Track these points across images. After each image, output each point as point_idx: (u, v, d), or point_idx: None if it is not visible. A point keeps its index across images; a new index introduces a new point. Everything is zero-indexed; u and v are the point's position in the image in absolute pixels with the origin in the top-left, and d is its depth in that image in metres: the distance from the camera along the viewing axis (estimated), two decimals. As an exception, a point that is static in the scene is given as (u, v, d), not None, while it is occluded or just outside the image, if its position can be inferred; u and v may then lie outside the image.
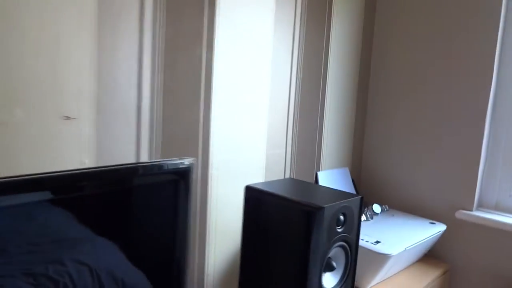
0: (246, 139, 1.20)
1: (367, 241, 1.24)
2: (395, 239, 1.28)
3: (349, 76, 1.61)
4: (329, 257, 0.88)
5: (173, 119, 1.00)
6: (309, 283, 0.80)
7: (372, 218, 1.46)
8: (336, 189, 0.95)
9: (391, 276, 1.33)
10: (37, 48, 0.76)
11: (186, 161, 0.67)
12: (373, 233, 1.32)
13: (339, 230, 0.86)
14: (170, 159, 0.67)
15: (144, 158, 0.95)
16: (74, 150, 0.83)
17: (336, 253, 0.89)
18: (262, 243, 0.89)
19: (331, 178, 1.53)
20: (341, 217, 0.86)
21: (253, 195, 0.92)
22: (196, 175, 1.07)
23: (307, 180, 1.45)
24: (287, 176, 1.37)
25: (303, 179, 1.43)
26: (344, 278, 0.91)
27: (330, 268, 0.87)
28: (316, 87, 1.45)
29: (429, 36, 1.52)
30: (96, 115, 0.86)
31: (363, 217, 1.44)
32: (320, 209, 0.79)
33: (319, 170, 1.50)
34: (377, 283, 1.28)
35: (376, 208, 1.53)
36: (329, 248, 0.84)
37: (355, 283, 1.23)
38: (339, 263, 0.90)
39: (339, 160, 1.61)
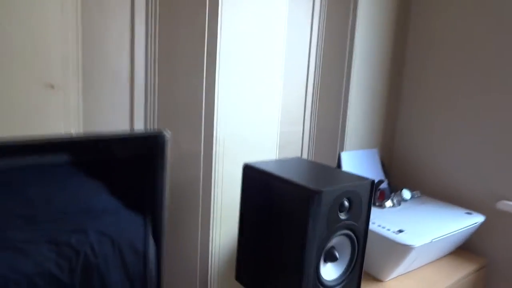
0: (256, 113, 1.11)
1: (388, 229, 1.12)
2: (421, 229, 1.15)
3: (381, 47, 1.46)
4: (332, 247, 0.79)
5: (171, 89, 0.93)
6: (305, 273, 0.72)
7: (399, 204, 1.33)
8: (348, 172, 0.85)
9: (416, 269, 1.21)
10: (14, 11, 0.71)
11: (157, 134, 0.60)
12: (398, 221, 1.19)
13: (343, 217, 0.76)
14: (138, 131, 0.60)
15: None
16: (60, 121, 0.79)
17: (340, 242, 0.79)
18: (258, 227, 0.81)
19: (357, 159, 1.41)
20: (346, 203, 0.76)
21: (250, 175, 0.84)
22: (200, 150, 1.00)
23: (329, 161, 1.35)
24: (305, 155, 1.27)
25: (323, 159, 1.32)
26: (349, 270, 0.81)
27: (332, 259, 0.77)
28: (341, 56, 1.32)
29: (477, 3, 1.33)
30: (83, 84, 0.81)
31: (389, 203, 1.31)
32: (318, 192, 0.69)
33: (342, 151, 1.38)
34: (399, 275, 1.16)
35: (406, 193, 1.40)
36: (329, 237, 0.74)
37: (375, 274, 1.12)
38: (343, 253, 0.81)
39: (366, 141, 1.47)
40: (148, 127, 0.91)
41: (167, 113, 0.93)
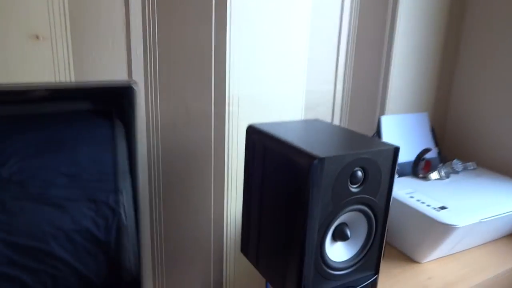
0: (276, 68, 0.98)
1: (428, 205, 0.97)
2: (470, 206, 0.99)
3: (436, -7, 1.23)
4: (343, 223, 0.67)
5: (174, 40, 0.84)
6: (306, 252, 0.61)
7: (448, 176, 1.15)
8: (370, 137, 0.71)
9: (461, 251, 1.05)
10: (-12, -49, 0.65)
11: (123, 83, 0.52)
12: (443, 195, 1.03)
13: (355, 190, 0.63)
14: (100, 80, 0.52)
15: (138, 86, 0.82)
16: (47, 75, 0.73)
17: (354, 219, 0.67)
18: (259, 197, 0.72)
19: (401, 125, 1.24)
20: (359, 173, 0.63)
21: (252, 137, 0.73)
22: (210, 110, 0.91)
23: (366, 127, 1.19)
24: (336, 120, 1.13)
25: (359, 124, 1.17)
26: (365, 251, 0.69)
27: (342, 237, 0.66)
28: (382, 2, 1.14)
29: None
30: (73, 34, 0.74)
31: (435, 175, 1.14)
32: (318, 159, 0.58)
33: (383, 114, 1.22)
34: (439, 258, 1.02)
35: (457, 165, 1.21)
36: (337, 212, 0.63)
37: (411, 255, 0.99)
38: (358, 232, 0.69)
39: (414, 104, 1.29)
40: (149, 83, 0.83)
41: (170, 67, 0.84)
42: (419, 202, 0.99)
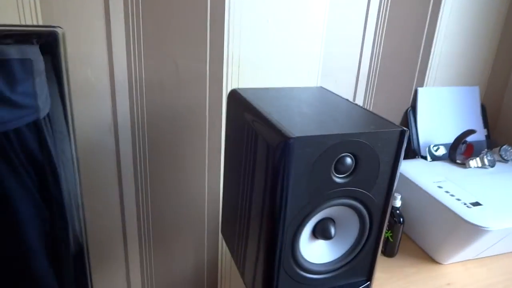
0: (287, 24, 0.83)
1: (458, 199, 0.81)
2: (510, 205, 0.81)
3: None
4: (328, 219, 0.54)
5: (160, -13, 0.72)
6: (275, 248, 0.50)
7: (492, 165, 0.97)
8: (374, 114, 0.56)
9: (493, 256, 0.88)
10: None
11: (46, 31, 0.42)
12: (480, 189, 0.86)
13: (340, 180, 0.50)
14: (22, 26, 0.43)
15: (118, 40, 0.72)
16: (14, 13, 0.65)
17: (343, 215, 0.54)
18: (235, 176, 0.61)
19: (442, 99, 1.05)
20: (348, 160, 0.49)
21: (233, 105, 0.61)
22: (205, 72, 0.80)
23: (398, 99, 1.02)
24: (361, 90, 0.96)
25: (389, 95, 1.00)
26: (353, 254, 0.56)
27: (325, 235, 0.53)
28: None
29: None
30: (39, -26, 0.65)
31: (476, 163, 0.96)
32: (286, 139, 0.45)
33: (421, 86, 1.03)
34: (464, 261, 0.86)
35: (507, 152, 1.01)
36: (315, 206, 0.50)
37: (431, 253, 0.84)
38: (348, 231, 0.56)
39: (463, 75, 1.08)
40: (130, 33, 0.72)
41: (156, 16, 0.73)
42: (447, 194, 0.83)
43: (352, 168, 0.50)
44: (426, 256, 0.87)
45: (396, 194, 0.84)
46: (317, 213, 0.51)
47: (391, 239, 0.85)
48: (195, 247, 0.95)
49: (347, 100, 0.62)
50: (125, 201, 0.84)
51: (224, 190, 0.67)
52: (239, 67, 0.82)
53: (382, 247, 0.87)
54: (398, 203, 0.84)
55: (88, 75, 0.73)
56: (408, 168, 0.94)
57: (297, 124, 0.50)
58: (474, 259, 0.86)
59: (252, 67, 0.83)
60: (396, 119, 1.04)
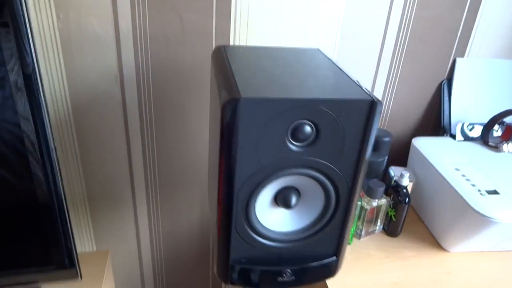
0: (301, -18, 0.77)
1: (473, 185, 0.73)
2: (535, 197, 0.72)
3: None
4: (291, 188, 0.52)
5: None
6: (226, 211, 0.50)
7: (530, 151, 0.85)
8: (355, 82, 0.51)
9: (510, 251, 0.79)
10: None
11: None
12: (505, 177, 0.77)
13: (298, 149, 0.47)
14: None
15: (122, -11, 0.72)
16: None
17: (308, 187, 0.51)
18: (210, 136, 0.60)
19: (484, 72, 0.93)
20: (307, 128, 0.46)
21: (213, 62, 0.59)
22: (211, 26, 0.78)
23: (431, 69, 0.92)
24: (387, 57, 0.88)
25: (421, 63, 0.90)
26: (316, 228, 0.54)
27: (286, 204, 0.51)
28: None
29: None
30: None
31: (508, 148, 0.85)
32: (231, 99, 0.43)
33: (461, 56, 0.92)
34: (474, 252, 0.79)
35: (553, 139, 0.88)
36: (270, 172, 0.48)
37: (438, 239, 0.79)
38: (313, 203, 0.53)
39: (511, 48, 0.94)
40: (133, -15, 0.72)
41: (158, -33, 0.72)
42: (462, 178, 0.75)
43: (313, 138, 0.47)
44: (433, 241, 0.81)
45: (404, 172, 0.78)
46: (274, 179, 0.49)
47: (394, 218, 0.80)
48: (200, 197, 0.97)
49: (338, 67, 0.57)
50: (132, 150, 0.87)
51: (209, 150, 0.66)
52: (247, 24, 0.79)
53: (385, 225, 0.83)
54: (405, 181, 0.78)
55: (94, 26, 0.74)
56: (428, 145, 0.86)
57: (256, 85, 0.47)
58: (488, 251, 0.79)
59: (262, 24, 0.79)
60: (428, 92, 0.94)
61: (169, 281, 1.10)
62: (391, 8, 0.83)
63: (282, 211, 0.53)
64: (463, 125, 0.91)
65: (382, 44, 0.86)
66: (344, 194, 0.52)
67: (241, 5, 0.77)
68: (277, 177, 0.48)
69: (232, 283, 0.56)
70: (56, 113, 0.81)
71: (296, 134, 0.46)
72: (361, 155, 0.49)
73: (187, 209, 0.98)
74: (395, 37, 0.86)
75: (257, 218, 0.52)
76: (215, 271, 0.57)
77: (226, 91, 0.45)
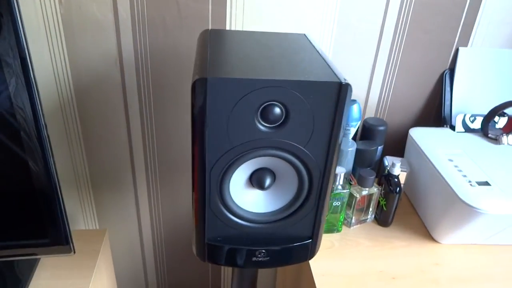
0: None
1: (464, 176, 0.72)
2: (527, 190, 0.70)
3: None
4: (265, 169, 0.53)
5: None
6: (201, 190, 0.51)
7: (533, 145, 0.83)
8: (329, 66, 0.51)
9: (506, 245, 0.78)
10: None
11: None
12: (500, 169, 0.75)
13: (266, 130, 0.48)
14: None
15: (119, -25, 0.74)
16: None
17: (282, 169, 0.52)
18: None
19: (489, 62, 0.91)
20: (276, 110, 0.46)
21: (197, 44, 0.60)
22: (207, 9, 0.79)
23: (433, 58, 0.90)
24: (385, 45, 0.87)
25: (421, 52, 0.89)
26: (291, 210, 0.55)
27: (259, 185, 0.52)
28: None
29: None
30: None
31: (507, 140, 0.83)
32: (200, 80, 0.44)
33: (465, 45, 0.90)
34: (466, 244, 0.78)
35: (558, 132, 0.85)
36: (240, 152, 0.49)
37: (429, 230, 0.79)
38: (287, 185, 0.54)
39: (524, 36, 0.91)
40: (130, -30, 0.74)
41: (154, -47, 0.73)
42: (454, 169, 0.74)
43: (282, 119, 0.47)
44: (425, 232, 0.81)
45: (395, 161, 0.77)
46: (245, 160, 0.50)
47: (385, 208, 0.80)
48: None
49: (318, 51, 0.57)
50: (132, 132, 0.90)
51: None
52: (243, 10, 0.80)
53: (377, 215, 0.83)
54: (396, 171, 0.77)
55: (94, 10, 0.77)
56: (424, 136, 0.85)
57: (227, 66, 0.48)
58: (480, 244, 0.77)
59: (258, 10, 0.80)
60: (429, 82, 0.93)
61: (169, 260, 1.13)
62: (390, -5, 0.82)
63: (257, 192, 0.55)
64: (464, 116, 0.89)
65: (380, 32, 0.85)
66: (317, 177, 0.52)
67: (237, -9, 0.77)
68: (248, 158, 0.50)
69: (209, 261, 0.58)
70: (60, 95, 0.84)
71: (265, 115, 0.47)
72: (332, 138, 0.49)
73: (186, 192, 1.00)
74: (394, 24, 0.85)
75: (231, 198, 0.53)
76: (194, 250, 0.58)
77: (197, 72, 0.46)
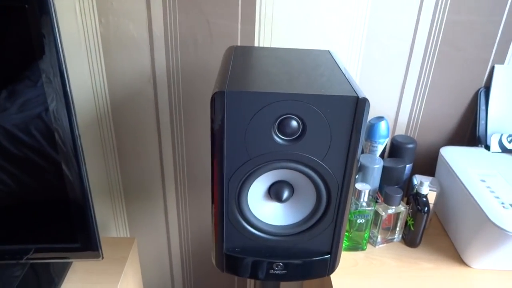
0: (324, -13, 0.79)
1: (497, 197, 0.70)
2: None
3: None
4: (283, 182, 0.53)
5: None
6: (219, 199, 0.53)
7: None
8: (346, 78, 0.52)
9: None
10: None
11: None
12: (530, 189, 0.72)
13: (284, 143, 0.48)
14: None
15: (155, -4, 0.79)
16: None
17: (300, 182, 0.53)
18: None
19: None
20: (293, 123, 0.47)
21: (222, 59, 0.62)
22: (236, 29, 0.82)
23: (466, 77, 0.88)
24: (416, 64, 0.86)
25: (454, 70, 0.87)
26: (309, 224, 0.55)
27: (278, 198, 0.53)
28: None
29: None
30: None
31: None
32: (218, 92, 0.46)
33: (501, 63, 0.87)
34: (501, 270, 0.74)
35: None
36: (257, 164, 0.50)
37: (460, 253, 0.76)
38: (305, 199, 0.54)
39: None
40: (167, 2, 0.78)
41: (187, -24, 0.77)
42: (486, 190, 0.71)
43: (299, 132, 0.48)
44: (455, 255, 0.77)
45: (424, 180, 0.75)
46: (263, 172, 0.51)
47: (412, 228, 0.77)
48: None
49: (339, 67, 0.58)
50: (163, 147, 0.94)
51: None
52: (272, 27, 0.82)
53: (404, 235, 0.81)
54: (424, 190, 0.75)
55: (130, 29, 0.82)
56: (456, 155, 0.82)
57: (246, 80, 0.49)
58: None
59: (286, 28, 0.82)
60: (463, 100, 0.90)
61: (196, 271, 1.14)
62: (420, 12, 0.81)
63: (275, 205, 0.55)
64: (501, 136, 0.86)
65: (411, 49, 0.85)
66: (335, 192, 0.52)
67: (265, 9, 0.80)
68: (265, 170, 0.51)
69: (228, 272, 0.58)
70: (97, 109, 0.89)
71: (282, 128, 0.48)
72: (350, 153, 0.49)
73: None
74: (425, 41, 0.84)
75: (249, 209, 0.54)
76: (213, 260, 0.59)
77: (217, 85, 0.48)
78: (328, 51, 0.66)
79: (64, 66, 0.55)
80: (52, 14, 0.51)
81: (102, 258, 0.73)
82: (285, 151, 0.49)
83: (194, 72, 0.86)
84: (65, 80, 0.56)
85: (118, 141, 0.93)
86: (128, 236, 1.07)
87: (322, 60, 0.60)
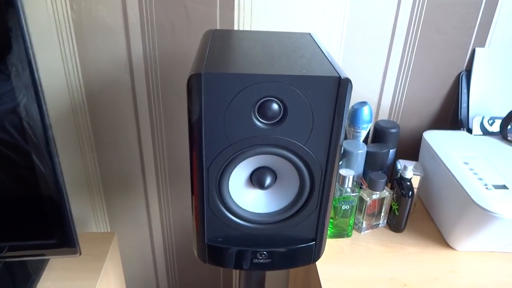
0: (304, -31, 0.77)
1: (480, 179, 0.69)
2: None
3: None
4: (265, 168, 0.52)
5: None
6: (197, 186, 0.51)
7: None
8: (328, 59, 0.50)
9: (527, 254, 0.74)
10: None
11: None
12: (513, 170, 0.72)
13: (264, 126, 0.47)
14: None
15: (128, -20, 0.75)
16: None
17: (283, 167, 0.51)
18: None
19: (507, 62, 0.87)
20: (274, 106, 0.45)
21: (200, 43, 0.60)
22: (215, 14, 0.79)
23: (453, 59, 0.87)
24: (397, 48, 0.85)
25: (435, 53, 0.86)
26: (292, 211, 0.53)
27: (260, 185, 0.51)
28: None
29: None
30: None
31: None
32: (195, 75, 0.44)
33: (482, 45, 0.87)
34: (484, 251, 0.74)
35: None
36: (238, 149, 0.48)
37: (445, 236, 0.76)
38: (288, 185, 0.52)
39: (545, 35, 0.87)
40: (138, -25, 0.75)
41: (162, -42, 0.74)
42: (470, 172, 0.71)
43: (281, 115, 0.46)
44: (439, 239, 0.77)
45: (407, 164, 0.75)
46: (243, 157, 0.49)
47: (397, 212, 0.77)
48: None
49: (320, 49, 0.56)
50: (142, 135, 0.91)
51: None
52: (251, 12, 0.80)
53: (389, 220, 0.80)
54: (408, 174, 0.74)
55: (104, 16, 0.78)
56: (439, 139, 0.82)
57: (224, 62, 0.47)
58: (499, 252, 0.73)
59: (265, 12, 0.80)
60: (445, 84, 0.90)
61: (180, 263, 1.12)
62: (401, -5, 0.80)
63: (257, 192, 0.53)
64: (482, 119, 0.86)
65: (392, 32, 0.84)
66: (319, 177, 0.51)
67: (244, -7, 0.77)
68: (246, 155, 0.49)
69: (210, 263, 0.57)
70: (71, 99, 0.86)
71: (262, 111, 0.46)
72: (333, 136, 0.48)
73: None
74: (406, 25, 0.83)
75: (231, 197, 0.52)
76: (195, 251, 0.57)
77: (193, 68, 0.46)
78: (309, 33, 0.64)
79: (32, 58, 0.52)
80: (19, 7, 0.48)
81: (80, 254, 0.70)
82: (266, 135, 0.47)
83: (172, 58, 0.83)
84: (33, 69, 0.53)
85: (94, 132, 0.90)
86: (109, 231, 1.04)
87: (303, 42, 0.58)
